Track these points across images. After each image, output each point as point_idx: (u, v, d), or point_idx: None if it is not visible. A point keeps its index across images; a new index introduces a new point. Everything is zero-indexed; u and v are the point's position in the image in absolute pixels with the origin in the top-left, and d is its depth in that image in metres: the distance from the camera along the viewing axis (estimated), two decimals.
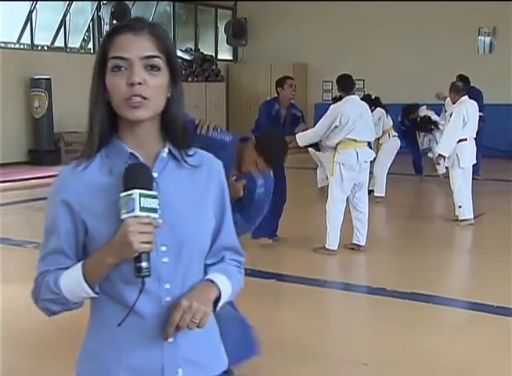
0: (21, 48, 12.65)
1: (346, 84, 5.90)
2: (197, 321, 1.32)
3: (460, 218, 7.09)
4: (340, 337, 4.10)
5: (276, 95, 6.41)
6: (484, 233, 7.14)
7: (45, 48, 13.21)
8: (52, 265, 1.40)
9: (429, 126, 9.82)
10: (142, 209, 1.29)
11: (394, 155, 8.77)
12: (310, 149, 7.68)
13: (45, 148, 12.15)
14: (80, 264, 1.37)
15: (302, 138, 6.00)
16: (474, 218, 7.14)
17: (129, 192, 1.30)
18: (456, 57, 13.44)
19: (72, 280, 1.36)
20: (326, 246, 5.79)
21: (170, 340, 1.38)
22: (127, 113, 1.35)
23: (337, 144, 5.70)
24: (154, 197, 1.32)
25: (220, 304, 1.42)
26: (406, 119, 9.93)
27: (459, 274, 5.80)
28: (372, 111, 6.81)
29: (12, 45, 12.57)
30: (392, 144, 8.71)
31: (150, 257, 1.32)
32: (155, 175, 1.38)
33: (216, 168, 1.50)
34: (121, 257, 1.32)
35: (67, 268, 1.39)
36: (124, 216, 1.30)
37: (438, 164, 7.25)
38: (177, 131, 1.43)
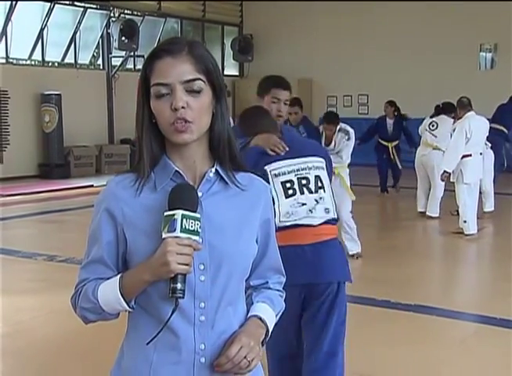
0: (32, 65, 12.84)
1: None
2: (249, 360, 1.34)
3: (465, 232, 7.11)
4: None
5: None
6: (487, 245, 7.18)
7: (56, 64, 13.40)
8: (92, 274, 1.42)
9: None
10: (183, 230, 1.29)
11: None
12: None
13: (54, 162, 12.34)
14: (118, 277, 1.38)
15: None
16: (478, 231, 7.19)
17: (172, 212, 1.30)
18: (458, 73, 13.55)
19: (109, 292, 1.37)
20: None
21: (202, 360, 1.38)
22: (173, 138, 1.37)
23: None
24: (197, 219, 1.31)
25: (267, 339, 1.46)
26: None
27: (462, 287, 5.84)
28: None
29: (24, 62, 12.76)
30: None
31: (187, 278, 1.32)
32: (199, 194, 1.38)
33: (264, 193, 1.50)
34: (158, 275, 1.32)
35: (107, 278, 1.40)
36: (164, 235, 1.30)
37: (443, 180, 7.23)
38: (223, 150, 1.42)
